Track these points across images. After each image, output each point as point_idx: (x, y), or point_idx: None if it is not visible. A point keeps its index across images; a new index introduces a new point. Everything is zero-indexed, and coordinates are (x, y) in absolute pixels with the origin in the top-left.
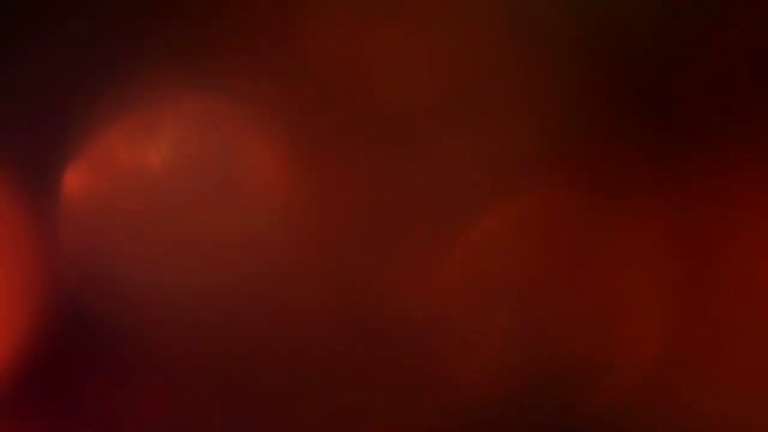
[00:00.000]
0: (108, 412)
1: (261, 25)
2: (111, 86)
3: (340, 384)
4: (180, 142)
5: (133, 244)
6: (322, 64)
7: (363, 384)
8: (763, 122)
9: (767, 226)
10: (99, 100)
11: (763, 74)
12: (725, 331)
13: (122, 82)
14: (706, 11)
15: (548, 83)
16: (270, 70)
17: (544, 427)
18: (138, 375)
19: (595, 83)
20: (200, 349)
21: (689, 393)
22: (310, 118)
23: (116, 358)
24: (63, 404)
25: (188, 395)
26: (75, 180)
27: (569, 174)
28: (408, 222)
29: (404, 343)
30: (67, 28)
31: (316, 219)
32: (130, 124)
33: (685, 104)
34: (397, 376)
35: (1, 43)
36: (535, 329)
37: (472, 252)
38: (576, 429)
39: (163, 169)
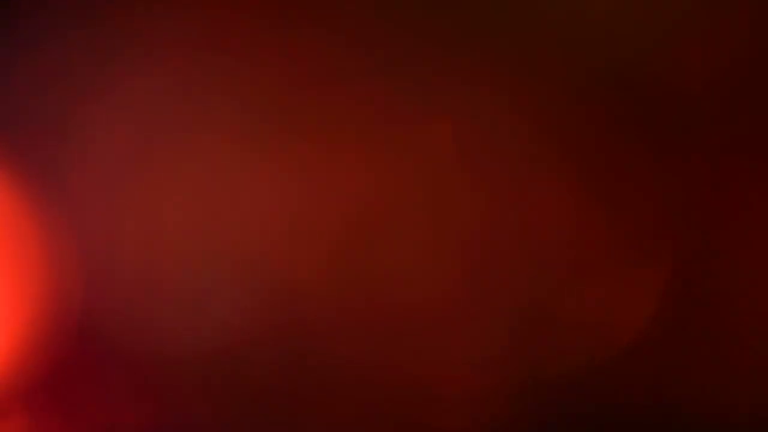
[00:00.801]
0: (110, 417)
1: (264, 27)
2: (112, 86)
3: (341, 385)
4: (183, 142)
5: (136, 246)
6: (320, 68)
7: (363, 384)
8: (763, 119)
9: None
10: (100, 100)
11: (763, 72)
12: (721, 305)
13: (123, 82)
14: (704, 9)
15: (549, 80)
16: (268, 71)
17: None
18: (140, 379)
19: (595, 81)
20: (202, 352)
21: (683, 362)
22: (307, 118)
23: (118, 363)
24: (64, 408)
25: (191, 401)
26: (78, 182)
27: (569, 172)
28: (409, 221)
29: (405, 342)
30: (67, 25)
31: (316, 220)
32: (132, 124)
33: (684, 100)
34: (396, 376)
35: (1, 42)
36: (534, 324)
37: (472, 250)
38: (575, 404)
39: (166, 168)
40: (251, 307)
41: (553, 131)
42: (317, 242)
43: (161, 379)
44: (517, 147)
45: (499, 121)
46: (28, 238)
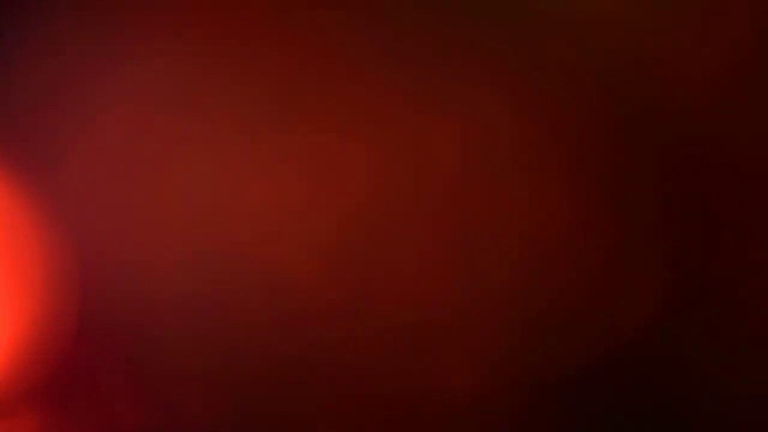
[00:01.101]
0: (113, 415)
1: (269, 21)
2: (112, 80)
3: (341, 384)
4: (183, 138)
5: (136, 243)
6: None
7: (362, 382)
8: (763, 119)
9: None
10: (99, 94)
11: (764, 73)
12: (722, 284)
13: (123, 75)
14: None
15: (552, 80)
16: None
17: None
18: (143, 378)
19: (598, 81)
20: (202, 349)
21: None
22: (310, 114)
23: (118, 362)
24: (65, 408)
25: (191, 400)
26: (77, 179)
27: (571, 172)
28: (411, 218)
29: (405, 342)
30: (67, 22)
31: (318, 216)
32: (131, 119)
33: (686, 101)
34: (396, 375)
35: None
36: (535, 324)
37: (473, 249)
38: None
39: (165, 163)
40: (251, 305)
41: (555, 132)
42: (319, 239)
43: (161, 378)
44: (519, 148)
45: (502, 122)
46: (27, 237)
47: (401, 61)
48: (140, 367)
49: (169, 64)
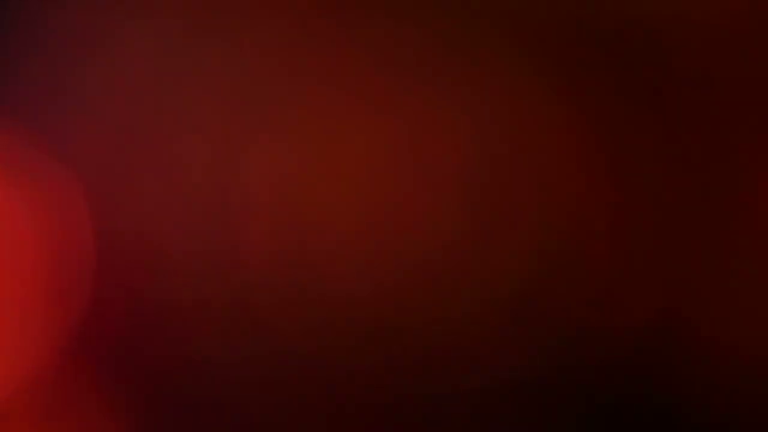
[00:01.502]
0: (131, 410)
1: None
2: (116, 38)
3: (339, 384)
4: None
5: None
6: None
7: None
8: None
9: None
10: (98, 85)
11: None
12: (729, 273)
13: (127, 32)
14: None
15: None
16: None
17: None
18: (160, 371)
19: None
20: (219, 346)
21: (693, 340)
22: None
23: (138, 355)
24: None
25: (210, 396)
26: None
27: (567, 172)
28: (407, 222)
29: (403, 343)
30: None
31: (315, 212)
32: (150, 117)
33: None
34: (398, 377)
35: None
36: (533, 322)
37: (471, 247)
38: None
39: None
40: (251, 302)
41: (555, 132)
42: (318, 234)
43: (183, 372)
44: (519, 147)
45: (504, 114)
46: (33, 222)
47: (404, 50)
48: (147, 366)
49: (177, 17)
